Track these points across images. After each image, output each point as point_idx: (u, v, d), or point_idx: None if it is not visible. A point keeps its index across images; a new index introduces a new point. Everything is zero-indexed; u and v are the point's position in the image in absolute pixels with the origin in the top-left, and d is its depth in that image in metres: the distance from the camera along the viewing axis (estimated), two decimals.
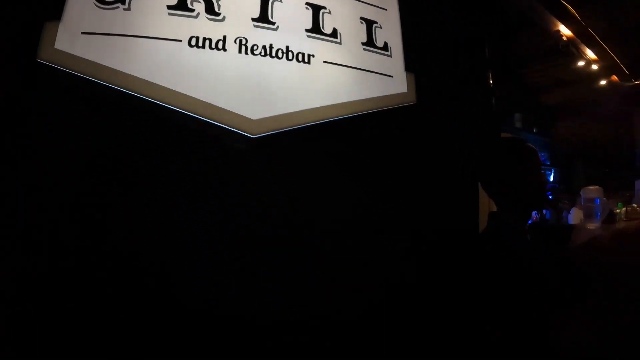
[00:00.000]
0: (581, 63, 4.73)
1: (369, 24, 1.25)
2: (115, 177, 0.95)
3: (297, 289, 1.05)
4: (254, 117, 1.04)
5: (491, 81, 1.87)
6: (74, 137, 0.93)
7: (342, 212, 1.14)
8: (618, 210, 3.68)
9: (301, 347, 1.05)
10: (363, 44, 1.23)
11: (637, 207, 4.14)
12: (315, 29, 1.16)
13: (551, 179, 6.40)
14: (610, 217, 3.19)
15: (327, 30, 1.17)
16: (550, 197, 4.71)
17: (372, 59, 1.24)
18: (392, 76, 1.27)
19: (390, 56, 1.28)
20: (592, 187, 2.85)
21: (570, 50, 4.45)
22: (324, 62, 1.16)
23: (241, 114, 1.03)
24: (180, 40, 1.01)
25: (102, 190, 0.94)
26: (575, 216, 2.99)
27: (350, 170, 1.17)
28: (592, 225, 2.67)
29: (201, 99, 1.00)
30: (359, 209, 1.17)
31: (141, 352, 0.92)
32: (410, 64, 1.31)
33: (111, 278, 0.91)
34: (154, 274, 0.94)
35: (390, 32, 1.30)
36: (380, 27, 1.28)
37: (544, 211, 4.56)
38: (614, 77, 5.47)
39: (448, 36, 1.50)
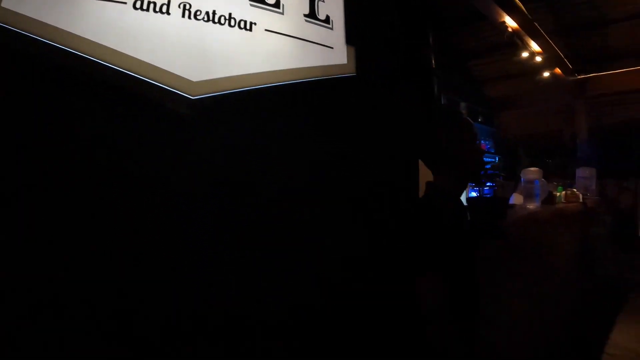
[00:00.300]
0: (525, 54, 4.98)
1: None
2: (55, 139, 0.94)
3: (243, 257, 1.09)
4: (194, 79, 1.07)
5: (433, 62, 1.98)
6: (13, 96, 0.93)
7: (279, 177, 1.18)
8: (558, 194, 3.94)
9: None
10: (305, 15, 1.28)
11: (577, 191, 4.45)
12: None
13: (495, 165, 6.70)
14: (550, 199, 3.42)
15: (270, 0, 1.22)
16: (488, 171, 4.95)
17: (314, 31, 1.29)
18: (332, 47, 1.33)
19: (331, 29, 1.34)
20: (532, 169, 3.06)
21: (515, 42, 4.68)
22: (266, 30, 1.20)
23: (182, 75, 1.05)
24: (125, 3, 1.02)
25: (43, 154, 0.93)
26: (516, 200, 3.19)
27: (288, 136, 1.21)
28: (531, 205, 2.87)
29: (144, 60, 1.02)
30: (297, 175, 1.22)
31: None
32: (352, 38, 1.37)
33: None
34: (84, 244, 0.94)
35: (333, 5, 1.36)
36: (323, 0, 1.33)
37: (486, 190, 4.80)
38: (558, 70, 5.76)
39: (391, 14, 1.58)
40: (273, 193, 1.17)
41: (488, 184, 5.26)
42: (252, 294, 1.11)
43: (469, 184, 1.50)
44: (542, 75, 5.81)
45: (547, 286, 3.74)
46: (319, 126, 1.29)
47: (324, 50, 1.31)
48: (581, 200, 4.37)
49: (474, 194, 4.31)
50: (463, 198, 1.72)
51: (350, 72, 1.36)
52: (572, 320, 4.20)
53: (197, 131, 1.08)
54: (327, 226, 1.26)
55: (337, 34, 1.35)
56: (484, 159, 6.34)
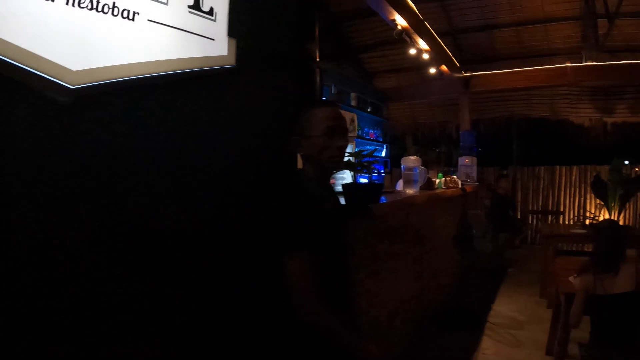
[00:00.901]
0: (413, 51, 5.35)
1: None
2: None
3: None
4: (74, 69, 1.08)
5: (317, 54, 2.15)
6: None
7: (156, 166, 1.23)
8: (438, 180, 4.35)
9: None
10: (189, 6, 1.33)
11: (456, 177, 4.92)
12: None
13: (383, 154, 7.08)
14: (429, 184, 3.80)
15: None
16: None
17: (197, 22, 1.35)
18: (213, 39, 1.40)
19: (214, 21, 1.41)
20: (412, 157, 3.39)
21: (404, 39, 5.04)
22: (148, 20, 1.23)
23: (62, 64, 1.06)
24: None
25: None
26: (401, 186, 3.49)
27: (167, 125, 1.26)
28: (411, 190, 3.19)
29: (23, 47, 1.00)
30: (174, 164, 1.27)
31: None
32: (234, 30, 1.45)
33: None
34: None
35: None
36: None
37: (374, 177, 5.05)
38: (444, 68, 6.24)
39: (277, 7, 1.68)
40: (150, 183, 1.20)
41: (377, 169, 5.58)
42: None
43: (343, 171, 1.66)
44: (430, 71, 6.31)
45: (428, 263, 4.16)
46: (198, 116, 1.35)
47: (205, 42, 1.37)
48: (460, 185, 4.81)
49: (363, 180, 4.61)
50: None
51: (230, 63, 1.43)
52: (455, 293, 4.71)
53: (75, 121, 1.08)
54: (202, 215, 1.33)
55: (219, 26, 1.42)
56: (369, 147, 6.61)
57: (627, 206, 8.43)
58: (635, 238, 5.70)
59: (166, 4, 1.28)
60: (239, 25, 1.48)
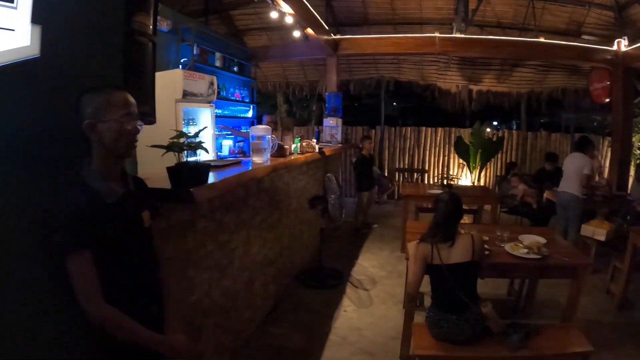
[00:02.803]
0: (275, 15, 5.37)
1: None
2: None
3: None
4: None
5: (151, 29, 2.12)
6: None
7: None
8: (294, 145, 4.52)
9: None
10: None
11: (313, 142, 5.12)
12: None
13: (250, 114, 7.17)
14: (281, 151, 3.96)
15: None
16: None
17: None
18: (14, 30, 1.33)
19: (15, 8, 1.34)
20: (260, 126, 3.51)
21: (266, 1, 5.06)
22: None
23: None
24: None
25: None
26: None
27: None
28: (259, 159, 3.32)
29: None
30: None
31: None
32: (38, 17, 1.39)
33: None
34: None
35: None
36: None
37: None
38: (310, 31, 6.35)
39: None
40: None
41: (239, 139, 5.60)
42: None
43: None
44: (298, 32, 6.43)
45: (286, 227, 4.41)
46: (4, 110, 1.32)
47: (5, 33, 1.30)
48: (317, 150, 4.97)
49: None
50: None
51: (34, 54, 1.39)
52: (318, 253, 5.04)
53: None
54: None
55: (21, 14, 1.35)
56: (234, 108, 6.55)
57: (487, 166, 9.62)
58: (493, 198, 6.61)
59: None
60: (44, 11, 1.40)
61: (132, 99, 1.49)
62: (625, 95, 7.74)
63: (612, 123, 8.25)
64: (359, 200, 7.22)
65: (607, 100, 8.12)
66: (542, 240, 3.53)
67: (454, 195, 2.99)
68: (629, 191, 7.24)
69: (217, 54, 6.27)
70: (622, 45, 7.41)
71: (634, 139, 9.10)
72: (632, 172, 7.92)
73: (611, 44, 7.53)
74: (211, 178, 2.21)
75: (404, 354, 3.39)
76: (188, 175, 1.91)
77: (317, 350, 3.48)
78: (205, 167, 2.05)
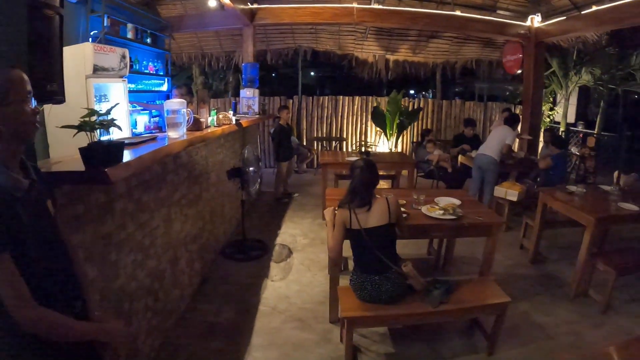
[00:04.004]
0: None
1: None
2: None
3: None
4: None
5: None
6: None
7: None
8: (210, 118, 4.42)
9: None
10: None
11: (230, 114, 5.08)
12: None
13: (164, 87, 6.94)
14: (197, 125, 3.89)
15: None
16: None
17: None
18: None
19: None
20: (174, 100, 3.43)
21: None
22: None
23: None
24: None
25: None
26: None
27: None
28: (175, 134, 3.25)
29: None
30: None
31: None
32: None
33: None
34: None
35: None
36: None
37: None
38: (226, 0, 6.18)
39: None
40: None
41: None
42: None
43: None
44: (214, 1, 6.24)
45: (207, 201, 4.38)
46: None
47: None
48: (234, 121, 4.95)
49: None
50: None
51: None
52: (241, 225, 5.04)
53: None
54: None
55: None
56: (148, 81, 6.27)
57: (404, 133, 10.00)
58: (409, 164, 6.90)
59: None
60: None
61: (25, 76, 1.35)
62: (536, 67, 8.46)
63: (523, 93, 8.93)
64: (279, 171, 7.28)
65: (519, 71, 8.82)
66: (457, 201, 3.80)
67: (369, 161, 3.08)
68: (538, 155, 7.91)
69: (129, 25, 5.91)
70: (535, 21, 8.06)
71: (543, 108, 9.90)
72: (541, 137, 8.67)
73: (525, 20, 8.08)
74: (126, 156, 2.13)
75: (332, 318, 3.55)
76: (101, 155, 1.83)
77: (249, 322, 3.55)
78: (118, 145, 1.98)
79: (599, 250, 4.68)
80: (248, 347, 3.20)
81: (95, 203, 2.13)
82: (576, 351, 3.30)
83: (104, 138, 1.92)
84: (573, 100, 10.94)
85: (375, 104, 9.92)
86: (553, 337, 3.49)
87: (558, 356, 3.18)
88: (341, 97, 10.30)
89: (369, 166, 3.02)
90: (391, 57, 10.54)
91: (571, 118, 10.93)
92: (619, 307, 3.97)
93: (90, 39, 4.76)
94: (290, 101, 10.02)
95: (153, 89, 6.64)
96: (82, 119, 1.72)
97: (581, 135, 9.93)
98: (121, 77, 4.30)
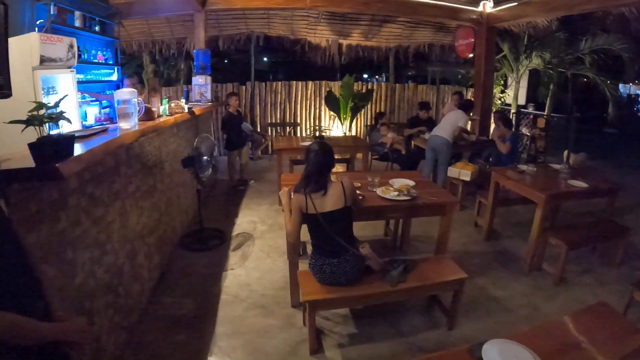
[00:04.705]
0: None
1: None
2: None
3: None
4: None
5: None
6: None
7: None
8: (162, 107, 4.36)
9: None
10: None
11: (182, 102, 5.02)
12: None
13: (114, 77, 6.75)
14: (149, 114, 3.83)
15: None
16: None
17: None
18: None
19: None
20: (125, 90, 3.36)
21: None
22: None
23: None
24: None
25: None
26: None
27: None
28: (127, 125, 3.19)
29: None
30: None
31: None
32: None
33: None
34: None
35: None
36: None
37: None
38: None
39: None
40: None
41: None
42: None
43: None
44: None
45: (162, 193, 4.31)
46: None
47: None
48: (186, 110, 4.92)
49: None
50: None
51: None
52: (198, 215, 5.01)
53: None
54: None
55: None
56: (97, 71, 6.07)
57: (358, 117, 10.11)
58: (364, 147, 6.98)
59: None
60: None
61: None
62: (488, 51, 8.73)
63: (475, 76, 9.21)
64: (231, 159, 7.22)
65: (471, 55, 9.07)
66: (411, 182, 3.93)
67: (324, 145, 3.11)
68: (490, 136, 8.20)
69: (77, 13, 5.64)
70: (487, 6, 8.30)
71: (494, 90, 10.23)
72: (492, 119, 8.97)
73: (477, 5, 8.29)
74: (77, 150, 2.10)
75: (294, 302, 3.62)
76: (51, 150, 1.79)
77: (212, 312, 3.57)
78: (69, 139, 1.94)
79: (551, 225, 4.94)
80: (213, 337, 3.23)
81: (48, 200, 2.08)
82: (533, 322, 3.46)
83: (53, 132, 1.89)
84: (524, 83, 11.34)
85: (328, 89, 9.96)
86: (510, 310, 3.69)
87: (515, 328, 3.35)
88: (294, 82, 10.30)
89: (324, 149, 3.05)
90: (344, 42, 10.60)
91: (522, 100, 11.33)
92: (572, 279, 4.24)
93: (36, 29, 4.57)
94: (243, 87, 9.93)
95: (102, 78, 6.42)
96: (30, 113, 1.69)
97: (532, 116, 10.31)
98: (69, 67, 4.15)
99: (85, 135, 2.70)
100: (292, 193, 3.08)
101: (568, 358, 1.84)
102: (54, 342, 1.40)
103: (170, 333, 3.27)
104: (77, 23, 5.70)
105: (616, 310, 2.30)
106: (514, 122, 10.01)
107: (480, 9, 8.32)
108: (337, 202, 2.94)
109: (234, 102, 7.14)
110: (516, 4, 7.63)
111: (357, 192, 3.41)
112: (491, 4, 8.19)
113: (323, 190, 2.95)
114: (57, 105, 1.80)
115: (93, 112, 4.26)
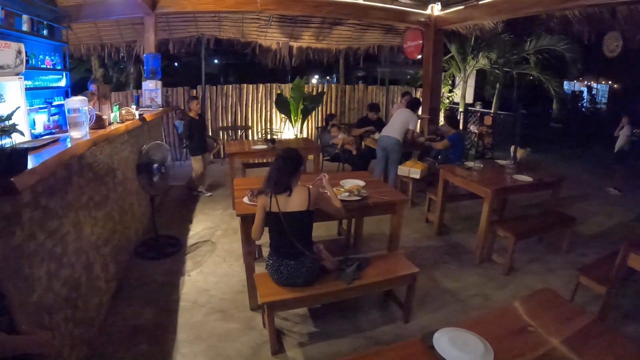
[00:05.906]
0: None
1: None
2: None
3: None
4: None
5: None
6: None
7: None
8: (113, 114, 4.32)
9: None
10: None
11: (132, 109, 4.95)
12: None
13: (63, 83, 6.59)
14: (99, 122, 3.78)
15: None
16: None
17: None
18: None
19: None
20: (75, 98, 3.30)
21: None
22: None
23: None
24: None
25: None
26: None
27: None
28: (78, 134, 3.14)
29: None
30: None
31: None
32: None
33: None
34: None
35: None
36: None
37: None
38: None
39: None
40: None
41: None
42: None
43: None
44: None
45: (115, 202, 4.26)
46: None
47: None
48: (137, 116, 4.88)
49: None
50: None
51: None
52: (152, 223, 4.96)
53: None
54: None
55: None
56: (45, 77, 5.90)
57: (309, 119, 10.23)
58: (315, 148, 7.09)
59: None
60: None
61: None
62: (436, 52, 9.10)
63: (423, 77, 9.55)
64: (196, 165, 7.15)
65: (419, 56, 9.39)
66: (361, 182, 4.09)
67: (288, 151, 3.24)
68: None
69: (25, 17, 5.44)
70: (435, 9, 8.64)
71: (442, 90, 10.60)
72: (442, 117, 9.30)
73: (425, 8, 8.60)
74: (30, 162, 2.10)
75: (253, 305, 3.70)
76: (5, 163, 1.79)
77: (172, 320, 3.60)
78: (23, 152, 1.92)
79: (499, 218, 5.22)
80: (174, 345, 3.26)
81: (3, 215, 2.07)
82: (485, 310, 3.70)
83: (4, 143, 1.87)
84: (471, 82, 11.82)
85: (279, 91, 10.04)
86: (463, 300, 3.91)
87: (469, 316, 3.54)
88: (245, 85, 10.35)
89: (285, 154, 3.18)
90: (295, 44, 10.70)
91: (469, 99, 11.81)
92: (521, 268, 4.54)
93: None
94: (194, 91, 9.88)
95: (51, 84, 6.23)
96: None
97: (479, 114, 10.76)
98: (17, 74, 4.05)
99: (37, 146, 2.68)
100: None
101: (516, 341, 1.99)
102: (23, 355, 1.43)
103: (132, 343, 3.27)
104: (25, 27, 5.54)
105: (560, 295, 2.49)
106: (461, 120, 10.42)
107: (428, 11, 8.65)
108: (301, 205, 3.06)
109: (194, 106, 7.04)
110: (463, 7, 7.97)
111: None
112: (439, 7, 8.53)
113: (288, 192, 3.07)
114: (9, 117, 1.80)
115: (42, 119, 4.17)
